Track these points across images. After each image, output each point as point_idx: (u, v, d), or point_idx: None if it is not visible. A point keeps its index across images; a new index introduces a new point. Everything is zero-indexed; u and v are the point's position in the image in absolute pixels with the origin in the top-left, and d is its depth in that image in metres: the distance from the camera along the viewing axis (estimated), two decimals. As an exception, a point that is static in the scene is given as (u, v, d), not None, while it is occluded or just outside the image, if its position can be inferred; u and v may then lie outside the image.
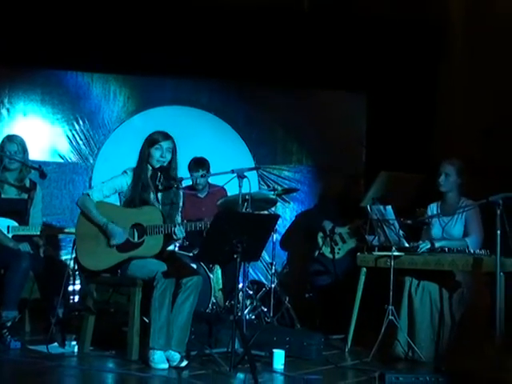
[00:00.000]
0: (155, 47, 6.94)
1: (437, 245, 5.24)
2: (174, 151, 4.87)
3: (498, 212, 4.62)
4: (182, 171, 5.29)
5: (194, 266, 5.73)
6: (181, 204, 4.96)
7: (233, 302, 5.13)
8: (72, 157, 7.10)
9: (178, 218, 4.94)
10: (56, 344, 4.95)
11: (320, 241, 6.57)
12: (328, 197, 7.23)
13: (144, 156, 4.85)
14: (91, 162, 7.12)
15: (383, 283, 5.21)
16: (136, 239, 4.78)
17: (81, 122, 7.12)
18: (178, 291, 4.67)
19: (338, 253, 6.53)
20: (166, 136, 4.87)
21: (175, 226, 4.71)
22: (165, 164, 4.85)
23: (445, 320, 5.10)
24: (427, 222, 5.47)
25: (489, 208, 4.77)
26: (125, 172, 4.89)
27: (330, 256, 6.55)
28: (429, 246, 5.23)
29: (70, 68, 7.06)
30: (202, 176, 6.23)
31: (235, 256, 4.48)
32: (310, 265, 6.68)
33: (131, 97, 7.27)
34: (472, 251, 5.05)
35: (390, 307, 5.05)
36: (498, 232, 4.61)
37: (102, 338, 5.01)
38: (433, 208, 5.53)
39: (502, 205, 4.64)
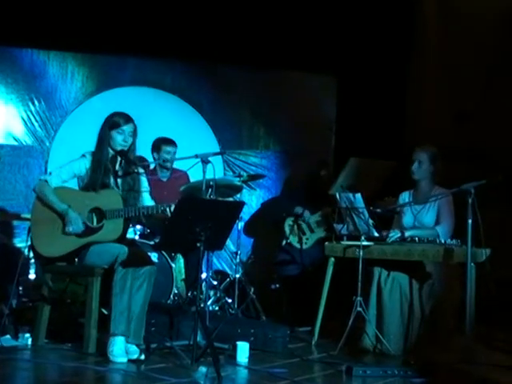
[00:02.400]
0: (116, 24, 6.86)
1: (407, 234, 5.28)
2: (134, 134, 4.84)
3: (470, 201, 4.67)
4: (143, 155, 5.26)
5: (155, 255, 5.72)
6: (143, 189, 4.93)
7: (195, 293, 5.12)
8: (27, 139, 7.01)
9: (149, 202, 4.91)
10: (8, 336, 4.89)
11: (287, 230, 6.59)
12: (295, 184, 7.25)
13: (104, 139, 4.81)
14: (47, 145, 7.04)
15: (352, 274, 5.24)
16: (95, 224, 4.74)
17: (36, 103, 7.02)
18: (132, 281, 4.64)
19: (305, 242, 6.55)
20: (128, 119, 4.83)
21: (147, 208, 4.68)
22: (126, 148, 4.81)
23: (414, 312, 5.15)
24: (397, 211, 5.51)
25: (461, 196, 4.82)
26: (83, 155, 4.85)
27: (298, 245, 6.57)
28: (399, 235, 5.27)
29: (25, 45, 6.95)
30: (174, 153, 6.25)
31: (198, 245, 4.46)
32: (276, 254, 6.70)
33: (90, 77, 7.18)
34: (443, 241, 5.10)
35: (359, 299, 5.08)
36: (470, 221, 4.67)
37: (57, 330, 4.97)
38: (405, 196, 5.57)
39: (474, 193, 4.69)
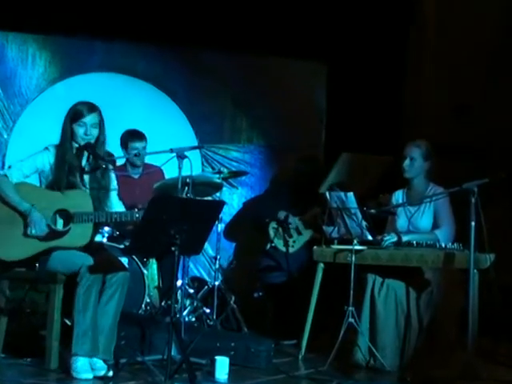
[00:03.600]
0: (82, 3, 6.84)
1: (404, 238, 5.31)
2: (101, 124, 4.82)
3: (473, 201, 4.70)
4: (112, 149, 5.25)
5: (126, 260, 5.71)
6: (112, 187, 4.93)
7: (170, 302, 5.13)
8: (-18, 131, 6.99)
9: (116, 203, 4.92)
10: (-40, 351, 4.88)
11: (272, 232, 6.60)
12: (282, 182, 7.27)
13: (66, 133, 4.80)
14: (5, 136, 7.01)
15: (343, 281, 5.26)
16: (60, 227, 4.73)
17: (-7, 90, 7.01)
18: (103, 289, 4.65)
19: (292, 246, 6.57)
20: (91, 108, 4.81)
21: (119, 214, 4.69)
22: (92, 141, 4.80)
23: (411, 323, 5.18)
24: (393, 212, 5.54)
25: (462, 196, 4.85)
26: (46, 148, 4.83)
27: (284, 249, 6.58)
28: (395, 239, 5.30)
29: (-20, 26, 6.93)
30: (144, 148, 6.24)
31: (173, 249, 4.47)
32: (259, 259, 6.72)
33: (53, 61, 7.16)
34: (443, 245, 5.13)
35: (350, 308, 5.11)
36: (473, 224, 4.70)
37: (15, 343, 4.95)
38: (398, 196, 5.60)
39: (477, 193, 4.72)
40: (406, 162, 5.43)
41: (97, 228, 4.85)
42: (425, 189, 5.45)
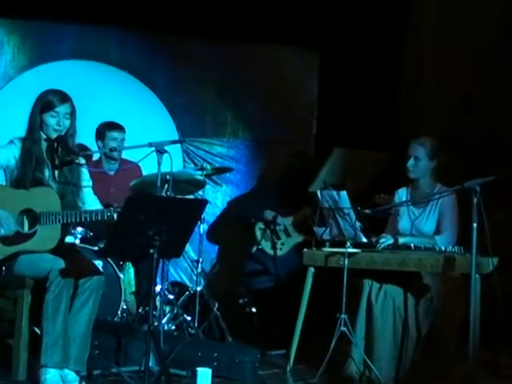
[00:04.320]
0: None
1: (401, 240, 5.34)
2: (72, 115, 4.83)
3: (475, 201, 4.71)
4: (84, 142, 5.25)
5: (100, 263, 5.72)
6: (84, 183, 4.94)
7: (148, 309, 5.13)
8: None
9: (92, 200, 4.92)
10: None
11: (258, 233, 6.62)
12: (269, 179, 7.28)
13: (35, 123, 4.79)
14: (-31, 129, 7.00)
15: (335, 286, 5.28)
16: (26, 229, 4.73)
17: (-44, 79, 6.99)
18: (75, 295, 4.65)
19: (280, 248, 6.60)
20: (63, 98, 4.81)
21: (91, 213, 4.68)
22: (62, 133, 4.80)
23: (409, 332, 5.21)
24: (390, 213, 5.56)
25: (464, 196, 4.87)
26: (11, 142, 4.82)
27: (271, 253, 6.61)
28: (391, 241, 5.32)
29: None
30: (123, 140, 6.26)
31: (151, 251, 4.48)
32: (245, 263, 6.74)
33: (22, 48, 7.14)
34: (443, 249, 5.16)
35: (343, 316, 5.12)
36: (475, 225, 4.71)
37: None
38: (401, 195, 5.62)
39: (480, 192, 4.74)
40: (411, 162, 5.44)
41: (66, 229, 4.85)
42: (431, 190, 5.47)
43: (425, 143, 5.45)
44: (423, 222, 5.45)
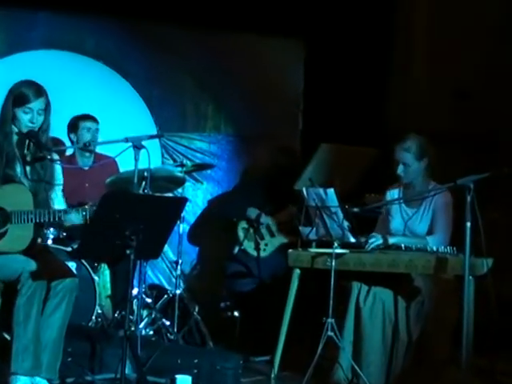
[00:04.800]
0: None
1: (391, 241, 5.36)
2: (46, 111, 4.82)
3: (469, 199, 4.73)
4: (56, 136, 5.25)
5: (74, 264, 5.71)
6: (57, 181, 4.93)
7: (124, 313, 5.13)
8: None
9: (61, 200, 4.91)
10: None
11: (241, 233, 6.63)
12: (253, 176, 7.29)
13: (7, 117, 4.77)
14: None
15: (321, 289, 5.30)
16: (-4, 229, 4.72)
17: None
18: (47, 298, 4.64)
19: (264, 249, 6.61)
20: (38, 92, 4.79)
21: (65, 212, 4.68)
22: (36, 129, 4.79)
23: (399, 337, 5.23)
24: (380, 211, 5.58)
25: (457, 193, 4.89)
26: (-20, 137, 4.82)
27: (254, 253, 6.62)
28: (380, 241, 5.34)
29: None
30: (97, 130, 6.28)
31: (128, 252, 4.48)
32: (227, 265, 6.74)
33: (-9, 37, 7.13)
34: (435, 249, 5.18)
35: (330, 320, 5.12)
36: (468, 224, 4.72)
37: None
38: (393, 194, 5.64)
39: (474, 190, 4.75)
40: (401, 169, 5.46)
41: (39, 229, 4.84)
42: (425, 188, 5.48)
43: (410, 147, 5.43)
44: (417, 223, 5.47)
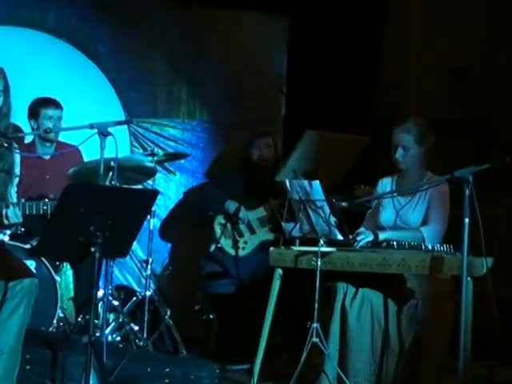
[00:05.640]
0: None
1: (381, 237, 5.37)
2: (6, 91, 4.81)
3: (467, 192, 4.73)
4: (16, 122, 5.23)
5: (33, 263, 5.70)
6: (16, 172, 4.92)
7: (88, 317, 5.12)
8: None
9: (13, 194, 4.90)
10: None
11: (218, 229, 6.64)
12: (231, 166, 7.29)
13: (-39, 102, 4.77)
14: None
15: (306, 291, 5.31)
16: None
17: None
18: (3, 300, 4.63)
19: (243, 248, 6.61)
20: (-5, 71, 4.79)
21: (7, 207, 4.67)
22: (-7, 113, 4.79)
23: (390, 344, 5.25)
24: (370, 206, 5.60)
25: (455, 186, 4.91)
26: None
27: (232, 252, 6.62)
28: (370, 238, 5.36)
29: None
30: (60, 119, 6.26)
31: (93, 250, 4.47)
32: (202, 264, 6.74)
33: None
34: (430, 247, 5.20)
35: (315, 325, 5.14)
36: (466, 220, 4.73)
37: None
38: (386, 184, 5.67)
39: (473, 182, 4.76)
40: (399, 153, 5.47)
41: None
42: (420, 179, 5.51)
43: (411, 129, 5.47)
44: (409, 212, 5.48)
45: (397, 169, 5.56)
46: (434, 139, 5.50)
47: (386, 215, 5.55)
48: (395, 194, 5.51)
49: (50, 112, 6.34)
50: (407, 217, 5.48)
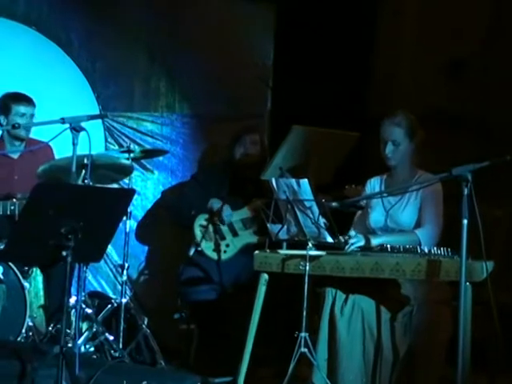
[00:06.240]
0: None
1: (375, 242, 5.38)
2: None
3: (466, 191, 4.74)
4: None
5: (0, 268, 5.68)
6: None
7: (60, 326, 5.11)
8: None
9: None
10: None
11: (198, 232, 6.63)
12: (213, 164, 7.28)
13: None
14: None
15: (293, 298, 5.30)
16: None
17: None
18: (-32, 308, 4.63)
19: (225, 251, 6.61)
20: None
21: None
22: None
23: (383, 354, 5.25)
24: (362, 206, 5.60)
25: (452, 185, 4.91)
26: None
27: (214, 256, 6.61)
28: (362, 242, 5.36)
29: None
30: (32, 116, 6.24)
31: (64, 254, 4.46)
32: (182, 269, 6.73)
33: None
34: (426, 250, 5.20)
35: (303, 335, 5.14)
36: (465, 222, 4.74)
37: None
38: (374, 184, 5.69)
39: (472, 181, 4.77)
40: (389, 148, 5.48)
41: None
42: (411, 177, 5.53)
43: (401, 122, 5.48)
44: (399, 212, 5.50)
45: (385, 166, 5.56)
46: (424, 135, 5.51)
47: (376, 216, 5.56)
48: (385, 195, 5.51)
49: (23, 109, 6.31)
50: (398, 216, 5.50)
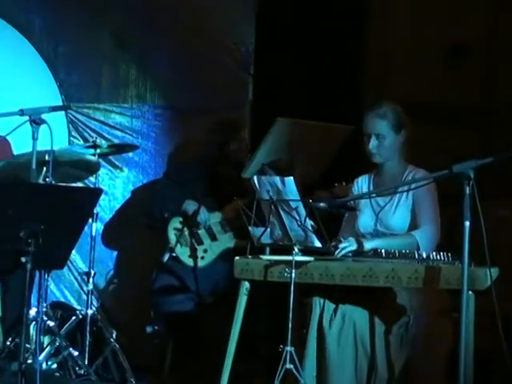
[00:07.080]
0: None
1: (368, 246, 5.38)
2: None
3: (468, 191, 4.75)
4: None
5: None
6: None
7: (18, 341, 5.09)
8: None
9: None
10: None
11: (173, 236, 6.62)
12: (189, 160, 7.28)
13: None
14: None
15: (277, 308, 5.30)
16: None
17: None
18: None
19: (202, 257, 6.61)
20: None
21: None
22: None
23: (378, 371, 5.24)
24: (352, 207, 5.60)
25: (452, 183, 4.91)
26: None
27: (190, 263, 6.61)
28: (354, 246, 5.36)
29: None
30: None
31: (23, 260, 4.45)
32: (155, 276, 6.73)
33: None
34: (424, 255, 5.21)
35: (289, 349, 5.14)
36: (467, 224, 4.75)
37: None
38: (362, 183, 5.70)
39: (475, 179, 4.77)
40: (373, 143, 5.48)
41: None
42: (400, 173, 5.54)
43: (386, 113, 5.49)
44: (390, 214, 5.50)
45: (373, 164, 5.57)
46: (413, 127, 5.52)
47: (364, 220, 5.57)
48: (374, 196, 5.52)
49: None
50: (388, 219, 5.51)
